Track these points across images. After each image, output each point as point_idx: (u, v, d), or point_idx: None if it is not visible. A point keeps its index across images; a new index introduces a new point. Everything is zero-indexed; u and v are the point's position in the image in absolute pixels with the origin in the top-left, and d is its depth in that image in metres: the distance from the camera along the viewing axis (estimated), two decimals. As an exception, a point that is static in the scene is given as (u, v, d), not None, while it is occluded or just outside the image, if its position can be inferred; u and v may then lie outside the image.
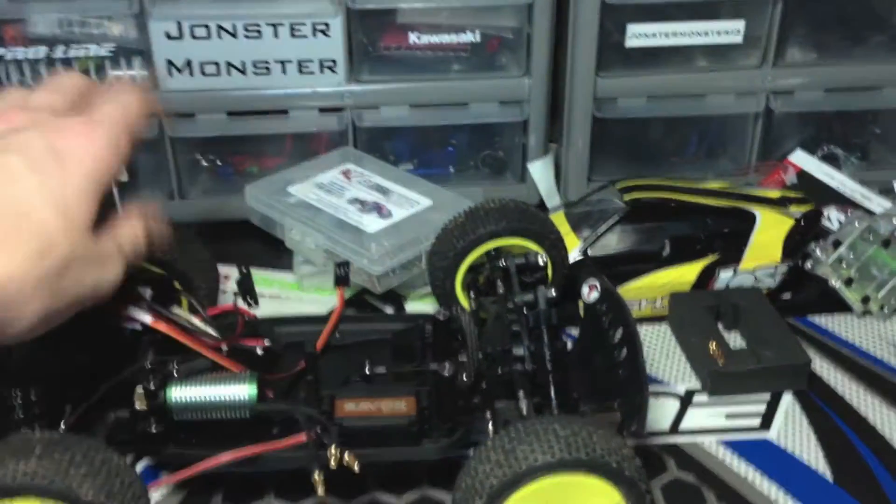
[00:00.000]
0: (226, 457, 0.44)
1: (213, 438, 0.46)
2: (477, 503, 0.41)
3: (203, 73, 0.73)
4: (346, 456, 0.44)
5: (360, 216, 0.66)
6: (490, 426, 0.47)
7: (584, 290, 0.56)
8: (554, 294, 0.51)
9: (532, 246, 0.59)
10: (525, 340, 0.49)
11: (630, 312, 0.51)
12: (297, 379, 0.50)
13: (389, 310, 0.67)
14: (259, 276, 0.69)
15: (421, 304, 0.67)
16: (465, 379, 0.49)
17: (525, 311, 0.51)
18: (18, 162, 0.37)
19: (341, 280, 0.56)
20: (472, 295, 0.58)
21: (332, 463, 0.43)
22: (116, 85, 0.45)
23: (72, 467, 0.39)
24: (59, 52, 0.71)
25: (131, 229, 0.43)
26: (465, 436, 0.48)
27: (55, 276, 0.37)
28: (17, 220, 0.36)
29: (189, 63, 0.72)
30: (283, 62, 0.73)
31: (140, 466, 0.50)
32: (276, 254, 0.70)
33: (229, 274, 0.66)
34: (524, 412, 0.46)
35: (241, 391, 0.47)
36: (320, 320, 0.54)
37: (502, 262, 0.56)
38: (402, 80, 0.75)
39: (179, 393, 0.46)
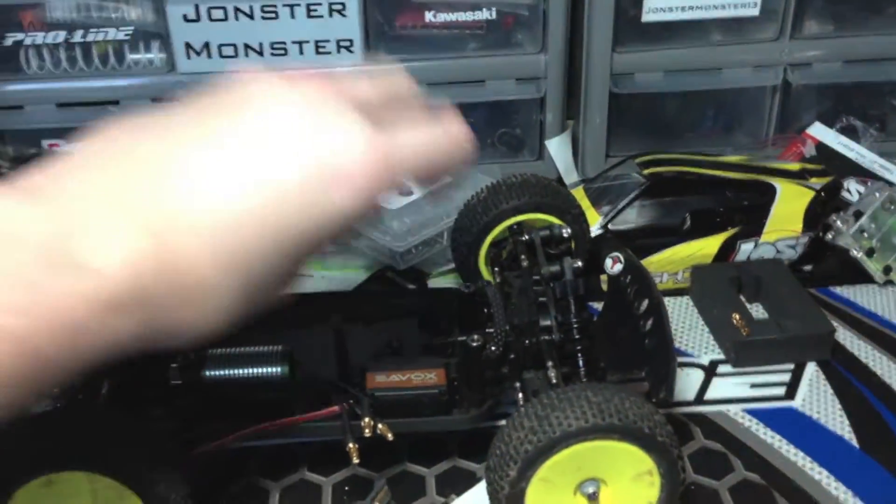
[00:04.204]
0: (262, 426, 0.44)
1: (248, 412, 0.46)
2: (511, 469, 0.41)
3: (221, 55, 0.73)
4: (378, 426, 0.44)
5: (381, 194, 0.67)
6: (520, 396, 0.48)
7: (608, 262, 0.56)
8: (579, 264, 0.51)
9: (554, 221, 0.59)
10: (552, 311, 0.50)
11: (654, 283, 0.52)
12: (327, 353, 0.51)
13: (413, 287, 0.67)
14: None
15: (443, 281, 0.67)
16: (493, 349, 0.49)
17: (551, 283, 0.51)
18: (261, 174, 0.30)
19: None
20: (496, 270, 0.59)
21: (367, 432, 0.44)
22: (446, 110, 0.36)
23: (114, 438, 0.39)
24: (77, 36, 0.71)
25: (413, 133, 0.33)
26: (495, 406, 0.49)
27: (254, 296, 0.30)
28: (229, 262, 0.29)
29: (207, 45, 0.72)
30: (300, 43, 0.73)
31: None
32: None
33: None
34: (553, 381, 0.47)
35: (274, 366, 0.47)
36: (345, 296, 0.54)
37: (526, 236, 0.56)
38: (418, 58, 0.75)
39: (214, 368, 0.47)
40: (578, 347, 0.49)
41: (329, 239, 0.32)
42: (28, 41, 0.71)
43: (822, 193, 0.67)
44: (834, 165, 0.74)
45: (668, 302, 0.65)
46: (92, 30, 0.71)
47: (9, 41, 0.71)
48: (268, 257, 0.30)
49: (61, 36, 0.71)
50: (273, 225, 0.29)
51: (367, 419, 0.44)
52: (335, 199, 0.30)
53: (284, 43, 0.73)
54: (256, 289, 0.30)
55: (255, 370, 0.47)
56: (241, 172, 0.29)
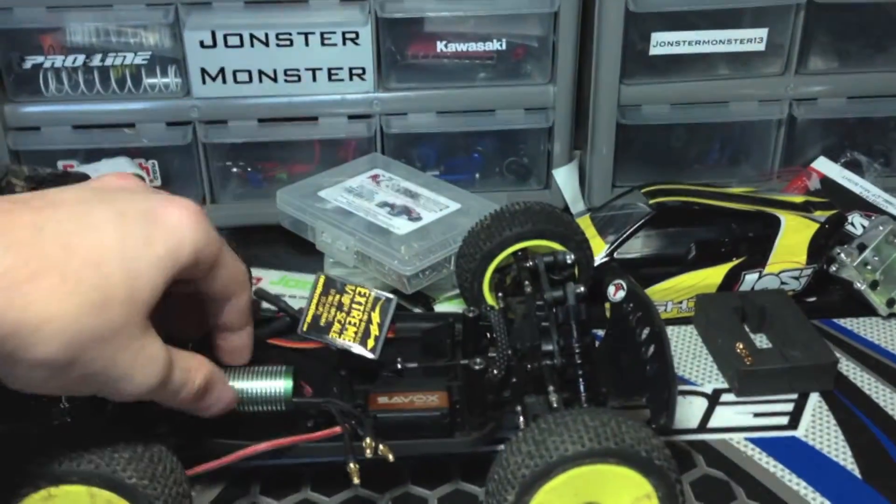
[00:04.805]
0: (264, 445, 0.45)
1: (250, 431, 0.47)
2: (509, 494, 0.41)
3: (235, 81, 0.74)
4: (380, 447, 0.45)
5: (389, 219, 0.68)
6: (521, 419, 0.48)
7: (610, 289, 0.56)
8: (582, 290, 0.52)
9: (558, 247, 0.60)
10: (554, 335, 0.50)
11: (656, 310, 0.52)
12: (330, 374, 0.51)
13: (418, 311, 0.67)
14: (291, 278, 0.71)
15: (448, 306, 0.67)
16: (495, 373, 0.49)
17: (554, 308, 0.52)
18: (106, 212, 0.37)
19: None
20: (500, 295, 0.59)
21: (368, 453, 0.44)
22: None
23: (116, 453, 0.40)
24: (96, 60, 0.73)
25: (197, 370, 0.41)
26: (497, 429, 0.49)
27: (91, 342, 0.35)
28: (83, 267, 0.35)
29: (222, 71, 0.74)
30: (313, 70, 0.75)
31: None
32: (307, 257, 0.71)
33: (261, 277, 0.68)
34: (554, 405, 0.47)
35: (277, 385, 0.48)
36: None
37: (530, 262, 0.57)
38: (429, 87, 0.77)
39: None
40: (580, 372, 0.49)
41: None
42: (47, 64, 0.73)
43: (827, 226, 0.68)
44: (838, 199, 0.74)
45: (673, 330, 0.65)
46: (110, 54, 0.73)
47: (28, 64, 0.73)
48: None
49: (80, 59, 0.73)
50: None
51: (368, 440, 0.45)
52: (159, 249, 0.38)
53: (298, 70, 0.75)
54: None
55: (259, 389, 0.47)
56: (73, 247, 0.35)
